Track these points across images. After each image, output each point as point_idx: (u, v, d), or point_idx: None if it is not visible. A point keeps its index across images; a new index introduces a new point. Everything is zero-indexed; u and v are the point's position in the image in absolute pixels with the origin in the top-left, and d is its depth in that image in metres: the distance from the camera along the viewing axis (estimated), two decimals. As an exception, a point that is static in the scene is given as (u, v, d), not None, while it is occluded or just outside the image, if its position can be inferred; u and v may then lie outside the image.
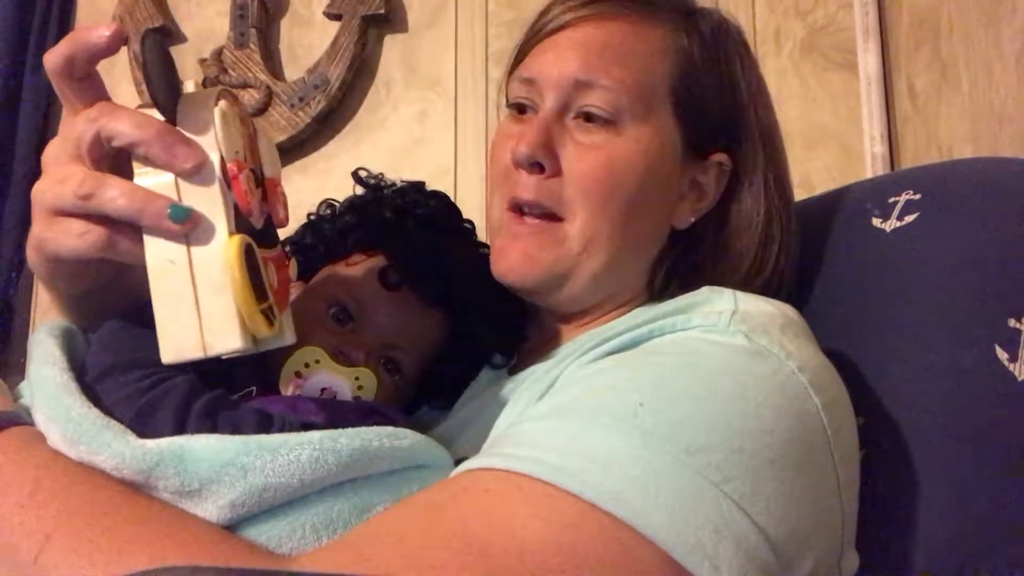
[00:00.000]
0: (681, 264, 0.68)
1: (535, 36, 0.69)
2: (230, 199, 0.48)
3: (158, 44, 0.48)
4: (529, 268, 0.64)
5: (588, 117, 0.64)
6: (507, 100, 0.72)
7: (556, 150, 0.64)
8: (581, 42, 0.65)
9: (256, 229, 0.51)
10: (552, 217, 0.64)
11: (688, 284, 0.65)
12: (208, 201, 0.47)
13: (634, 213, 0.64)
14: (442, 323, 0.69)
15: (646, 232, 0.66)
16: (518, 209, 0.65)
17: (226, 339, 0.46)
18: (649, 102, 0.64)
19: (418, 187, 0.75)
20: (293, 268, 0.59)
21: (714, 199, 0.68)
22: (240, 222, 0.49)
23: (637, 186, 0.63)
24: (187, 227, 0.46)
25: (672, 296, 0.65)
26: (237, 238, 0.47)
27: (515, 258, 0.65)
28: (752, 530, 0.44)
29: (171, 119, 0.49)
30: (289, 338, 0.52)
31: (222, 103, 0.49)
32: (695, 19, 0.68)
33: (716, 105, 0.67)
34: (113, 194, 0.47)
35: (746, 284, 0.65)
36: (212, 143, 0.48)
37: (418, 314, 0.67)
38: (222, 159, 0.48)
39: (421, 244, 0.68)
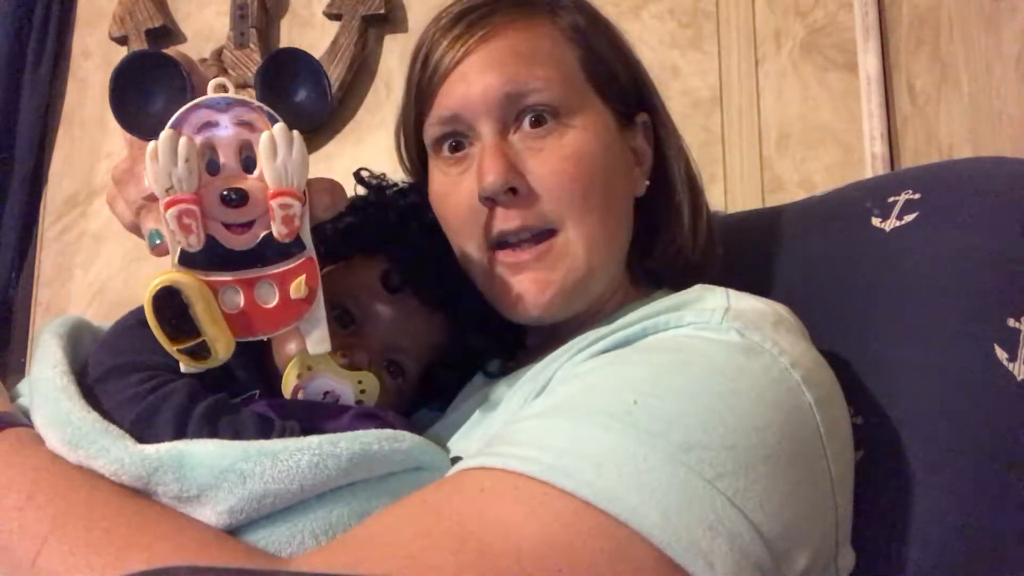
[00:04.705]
0: (640, 232, 0.69)
1: (432, 79, 0.65)
2: (176, 235, 0.49)
3: (122, 70, 0.49)
4: (550, 292, 0.62)
5: (535, 119, 0.63)
6: (420, 148, 0.70)
7: (519, 169, 0.62)
8: (491, 59, 0.63)
9: (222, 251, 0.50)
10: (543, 235, 0.63)
11: (648, 251, 0.69)
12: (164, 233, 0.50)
13: (611, 196, 0.65)
14: (444, 325, 0.68)
15: (625, 209, 0.68)
16: (504, 244, 0.64)
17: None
18: (578, 91, 0.65)
19: (420, 188, 0.74)
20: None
21: (651, 156, 0.71)
22: (192, 253, 0.49)
23: (603, 170, 0.64)
24: (158, 252, 0.50)
25: (641, 266, 0.69)
26: (157, 280, 0.48)
27: (530, 290, 0.63)
28: (746, 526, 0.44)
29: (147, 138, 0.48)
30: (222, 357, 0.50)
31: (167, 132, 0.47)
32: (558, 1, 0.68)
33: (622, 70, 0.69)
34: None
35: (695, 241, 0.68)
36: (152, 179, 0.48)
37: (420, 317, 0.67)
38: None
39: (423, 247, 0.67)
